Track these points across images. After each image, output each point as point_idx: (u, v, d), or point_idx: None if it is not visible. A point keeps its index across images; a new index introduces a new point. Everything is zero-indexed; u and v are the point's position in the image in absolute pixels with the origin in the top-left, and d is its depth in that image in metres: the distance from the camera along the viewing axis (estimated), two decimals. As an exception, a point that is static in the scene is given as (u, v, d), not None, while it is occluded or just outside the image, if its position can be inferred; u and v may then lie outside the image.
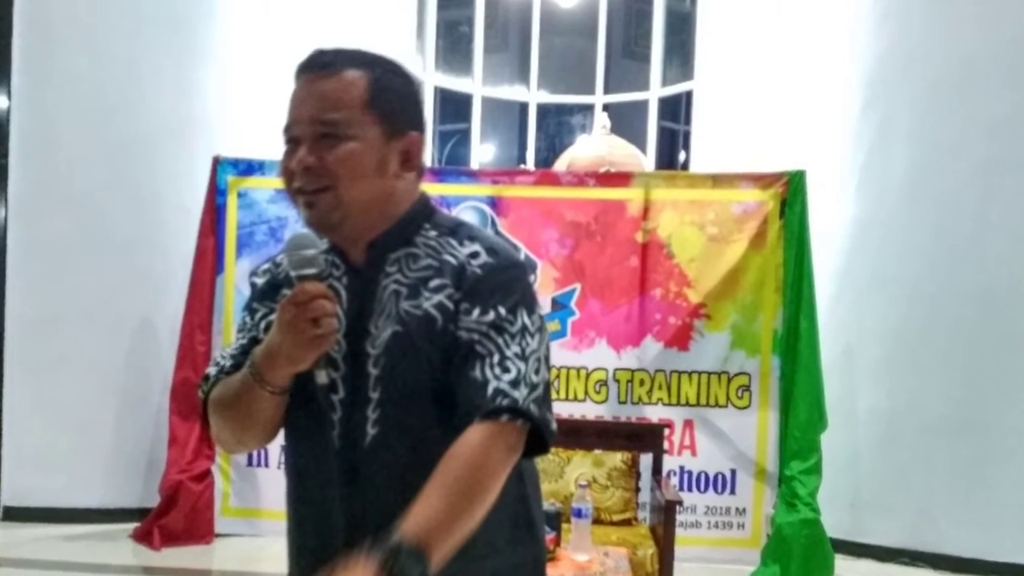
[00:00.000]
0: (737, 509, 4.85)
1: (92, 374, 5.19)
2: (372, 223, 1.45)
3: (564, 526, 3.51)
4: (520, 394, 1.35)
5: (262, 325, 1.50)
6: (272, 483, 4.86)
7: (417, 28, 8.11)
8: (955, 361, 4.88)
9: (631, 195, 4.94)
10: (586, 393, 4.91)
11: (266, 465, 4.98)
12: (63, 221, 5.10)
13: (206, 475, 4.98)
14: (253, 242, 4.96)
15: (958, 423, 4.84)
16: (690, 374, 4.86)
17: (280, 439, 1.52)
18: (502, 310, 1.40)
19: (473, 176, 5.36)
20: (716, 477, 4.85)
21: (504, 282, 1.43)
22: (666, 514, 3.70)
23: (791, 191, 4.78)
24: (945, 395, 4.89)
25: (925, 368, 4.95)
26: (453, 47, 9.32)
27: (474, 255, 1.44)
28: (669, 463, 4.61)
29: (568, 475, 4.13)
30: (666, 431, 4.54)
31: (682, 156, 8.65)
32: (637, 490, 4.24)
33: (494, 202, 4.99)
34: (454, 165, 8.67)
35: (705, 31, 7.44)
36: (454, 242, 1.46)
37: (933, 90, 4.98)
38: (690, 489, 4.83)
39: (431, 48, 8.53)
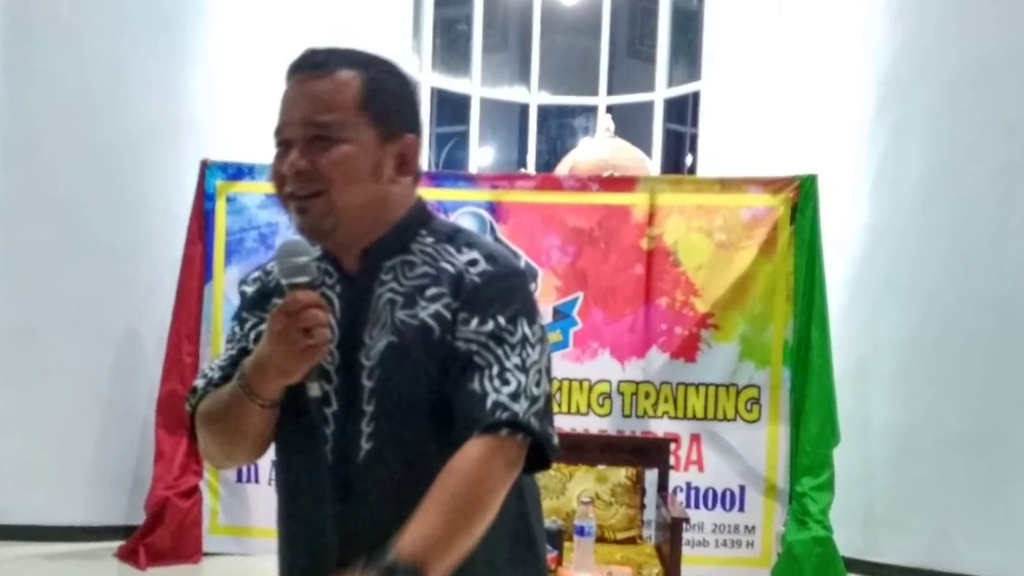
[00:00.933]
0: (746, 527, 4.84)
1: (75, 386, 5.18)
2: (366, 229, 1.46)
3: (566, 544, 3.51)
4: (520, 407, 1.35)
5: (252, 335, 1.51)
6: (262, 500, 4.85)
7: (413, 26, 8.12)
8: (973, 372, 4.87)
9: (636, 200, 4.94)
10: (589, 406, 4.90)
11: (256, 481, 4.98)
12: (46, 227, 5.09)
13: (194, 491, 4.97)
14: (243, 249, 4.96)
15: (976, 437, 4.84)
16: (697, 386, 4.86)
17: (271, 454, 1.53)
18: (501, 320, 1.40)
19: (471, 180, 5.37)
20: (724, 493, 4.85)
21: (504, 291, 1.43)
22: (672, 532, 3.70)
23: (802, 196, 4.78)
24: (962, 408, 4.88)
25: (941, 380, 4.95)
26: (451, 46, 9.34)
27: (472, 263, 1.45)
28: (675, 479, 4.61)
29: (570, 491, 4.12)
30: (672, 446, 4.54)
31: (688, 159, 8.67)
32: (642, 507, 4.23)
33: (493, 207, 4.99)
34: (451, 169, 8.69)
35: (713, 30, 7.45)
36: (452, 249, 1.47)
37: (949, 91, 4.98)
38: (697, 506, 4.83)
39: (428, 47, 8.54)
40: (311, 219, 1.41)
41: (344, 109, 1.40)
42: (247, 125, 4.34)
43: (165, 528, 4.86)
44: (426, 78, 8.42)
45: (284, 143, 1.42)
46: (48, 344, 5.13)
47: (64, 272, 5.14)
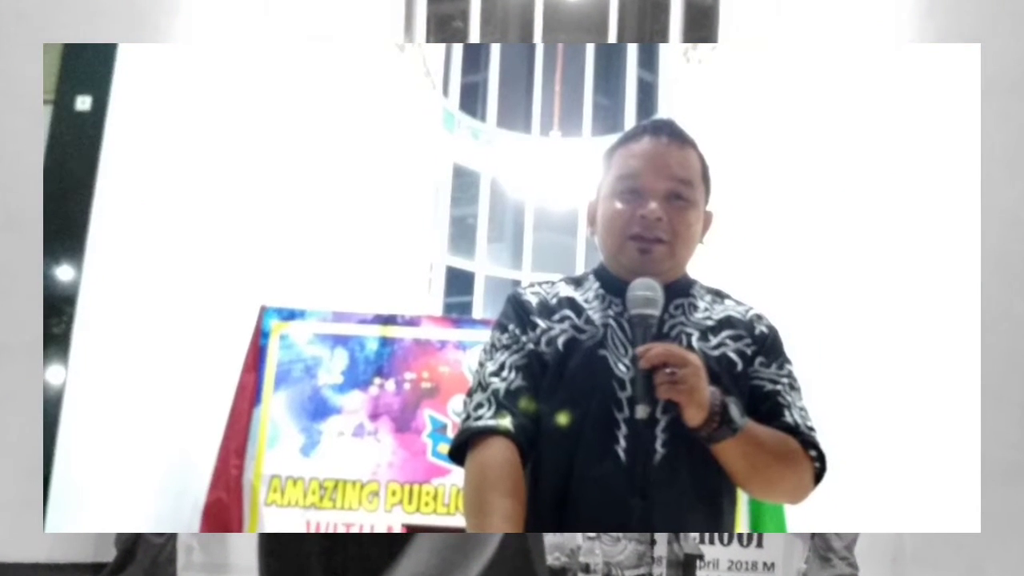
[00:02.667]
0: (765, 564, 4.84)
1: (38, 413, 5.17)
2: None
3: (570, 583, 3.51)
4: None
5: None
6: (241, 535, 4.85)
7: (405, 23, 8.14)
8: (1011, 398, 4.87)
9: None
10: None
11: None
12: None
13: (167, 525, 4.97)
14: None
15: (1014, 467, 4.83)
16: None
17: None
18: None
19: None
20: (741, 528, 4.85)
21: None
22: (685, 570, 3.70)
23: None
24: (1000, 437, 4.87)
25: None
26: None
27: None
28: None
29: (575, 526, 4.12)
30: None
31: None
32: (652, 543, 4.23)
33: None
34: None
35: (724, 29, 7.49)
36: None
37: (986, 96, 4.99)
38: (711, 542, 4.82)
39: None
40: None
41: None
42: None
43: (137, 565, 4.85)
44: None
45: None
46: (17, 365, 5.11)
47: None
